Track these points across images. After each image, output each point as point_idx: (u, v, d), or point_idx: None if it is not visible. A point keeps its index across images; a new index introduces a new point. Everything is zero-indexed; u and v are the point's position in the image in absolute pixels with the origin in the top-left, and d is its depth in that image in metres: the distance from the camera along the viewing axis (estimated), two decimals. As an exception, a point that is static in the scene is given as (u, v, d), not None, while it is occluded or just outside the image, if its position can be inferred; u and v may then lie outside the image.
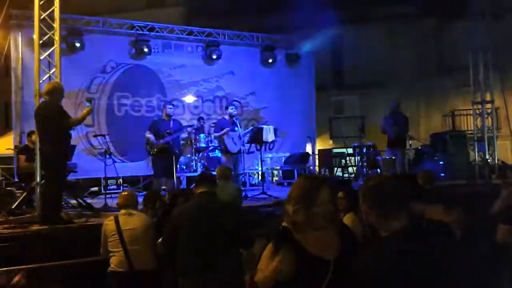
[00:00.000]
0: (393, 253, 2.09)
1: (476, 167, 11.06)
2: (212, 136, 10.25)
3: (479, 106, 11.62)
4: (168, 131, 8.41)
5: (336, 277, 2.25)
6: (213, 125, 10.71)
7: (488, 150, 11.37)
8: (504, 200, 5.40)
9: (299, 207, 2.33)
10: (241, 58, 12.68)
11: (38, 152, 6.56)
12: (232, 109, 9.19)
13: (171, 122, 8.57)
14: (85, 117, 6.83)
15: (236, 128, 9.03)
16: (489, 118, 11.68)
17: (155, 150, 8.35)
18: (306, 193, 2.35)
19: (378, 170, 10.70)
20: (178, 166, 9.12)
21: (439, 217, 2.43)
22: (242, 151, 9.14)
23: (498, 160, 11.57)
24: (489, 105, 11.68)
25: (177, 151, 8.71)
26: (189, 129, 10.09)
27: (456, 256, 2.23)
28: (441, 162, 11.10)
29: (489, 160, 11.28)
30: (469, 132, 12.97)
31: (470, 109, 12.66)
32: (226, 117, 9.18)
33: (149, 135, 8.44)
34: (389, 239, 2.14)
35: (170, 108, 8.75)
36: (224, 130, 8.87)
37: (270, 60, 12.81)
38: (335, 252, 2.34)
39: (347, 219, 4.38)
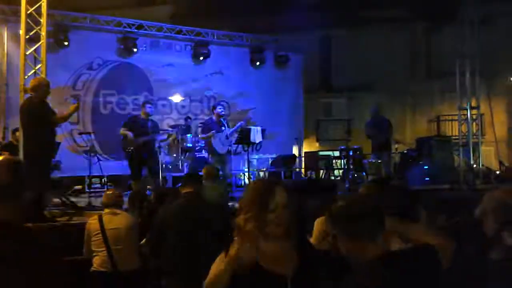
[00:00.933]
0: (373, 282, 1.82)
1: (461, 172, 11.13)
2: (199, 137, 10.14)
3: (465, 112, 11.70)
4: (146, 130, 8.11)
5: None
6: (200, 125, 10.63)
7: (473, 156, 11.46)
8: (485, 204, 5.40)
9: (251, 215, 2.06)
10: (230, 58, 12.66)
11: (21, 149, 6.47)
12: (220, 109, 9.06)
13: (149, 122, 8.27)
14: (71, 115, 6.76)
15: (223, 128, 8.92)
16: (474, 124, 11.77)
17: (132, 148, 8.01)
18: (258, 197, 2.10)
19: (364, 173, 10.74)
20: (161, 166, 9.00)
21: (424, 238, 2.08)
22: (230, 151, 9.04)
23: (482, 165, 11.67)
24: (474, 111, 11.76)
25: (154, 152, 8.50)
26: (173, 130, 9.96)
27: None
28: (426, 167, 11.17)
29: (473, 166, 11.37)
30: (454, 137, 13.06)
31: (455, 115, 12.73)
32: (214, 117, 9.08)
33: (126, 131, 8.05)
34: (367, 266, 1.86)
35: (150, 107, 8.34)
36: (210, 133, 8.71)
37: (259, 61, 12.80)
38: (292, 266, 2.09)
39: (320, 221, 4.22)
